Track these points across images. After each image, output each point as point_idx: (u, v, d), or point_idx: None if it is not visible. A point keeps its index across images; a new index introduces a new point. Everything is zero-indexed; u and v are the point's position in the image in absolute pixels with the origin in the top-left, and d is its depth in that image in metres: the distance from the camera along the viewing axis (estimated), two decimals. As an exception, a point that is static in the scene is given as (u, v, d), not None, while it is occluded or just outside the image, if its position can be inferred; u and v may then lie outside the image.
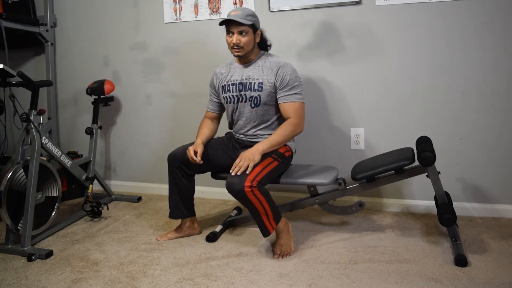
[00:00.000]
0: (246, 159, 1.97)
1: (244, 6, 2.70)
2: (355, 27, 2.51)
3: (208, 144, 2.27)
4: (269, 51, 2.26)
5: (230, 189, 1.93)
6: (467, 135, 2.42)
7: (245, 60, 2.19)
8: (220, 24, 2.10)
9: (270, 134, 2.18)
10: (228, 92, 2.22)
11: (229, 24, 2.07)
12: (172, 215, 2.30)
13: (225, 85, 2.23)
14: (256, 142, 2.21)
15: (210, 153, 2.23)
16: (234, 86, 2.20)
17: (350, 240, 2.20)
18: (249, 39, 2.09)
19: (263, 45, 2.23)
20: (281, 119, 2.20)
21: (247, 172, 1.94)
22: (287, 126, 2.10)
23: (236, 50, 2.10)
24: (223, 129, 2.48)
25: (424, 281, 1.76)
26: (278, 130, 2.11)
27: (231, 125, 2.33)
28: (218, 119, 2.39)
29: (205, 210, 2.75)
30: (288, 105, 2.11)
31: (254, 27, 2.09)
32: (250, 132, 2.23)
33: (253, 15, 2.09)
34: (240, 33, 2.06)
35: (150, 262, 2.04)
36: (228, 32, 2.10)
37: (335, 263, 1.95)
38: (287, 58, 2.24)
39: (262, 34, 2.18)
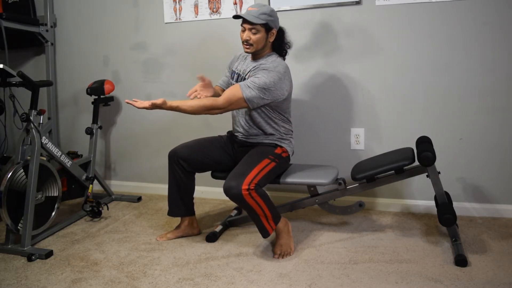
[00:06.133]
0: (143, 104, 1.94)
1: (244, 5, 2.71)
2: (355, 27, 2.51)
3: (210, 143, 2.27)
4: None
5: (228, 192, 1.93)
6: (467, 135, 2.42)
7: (254, 56, 2.18)
8: (234, 17, 2.10)
9: (265, 135, 2.18)
10: (232, 80, 2.25)
11: (243, 19, 2.08)
12: (171, 213, 2.30)
13: (234, 70, 2.25)
14: (252, 143, 2.21)
15: (210, 152, 2.24)
16: (236, 75, 2.22)
17: (350, 240, 2.20)
18: (260, 37, 2.07)
19: (279, 47, 2.17)
20: (273, 124, 2.17)
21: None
22: (208, 101, 2.00)
23: (246, 46, 2.11)
24: (224, 128, 2.49)
25: (424, 281, 1.76)
26: (200, 100, 2.01)
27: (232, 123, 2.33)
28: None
29: (205, 210, 2.75)
30: (231, 87, 2.07)
31: (267, 26, 2.07)
32: (242, 131, 2.22)
33: (269, 13, 2.05)
34: (251, 30, 2.06)
35: (150, 262, 2.04)
36: (242, 27, 2.10)
37: (335, 263, 1.95)
38: (287, 58, 2.23)
39: (280, 34, 2.15)
